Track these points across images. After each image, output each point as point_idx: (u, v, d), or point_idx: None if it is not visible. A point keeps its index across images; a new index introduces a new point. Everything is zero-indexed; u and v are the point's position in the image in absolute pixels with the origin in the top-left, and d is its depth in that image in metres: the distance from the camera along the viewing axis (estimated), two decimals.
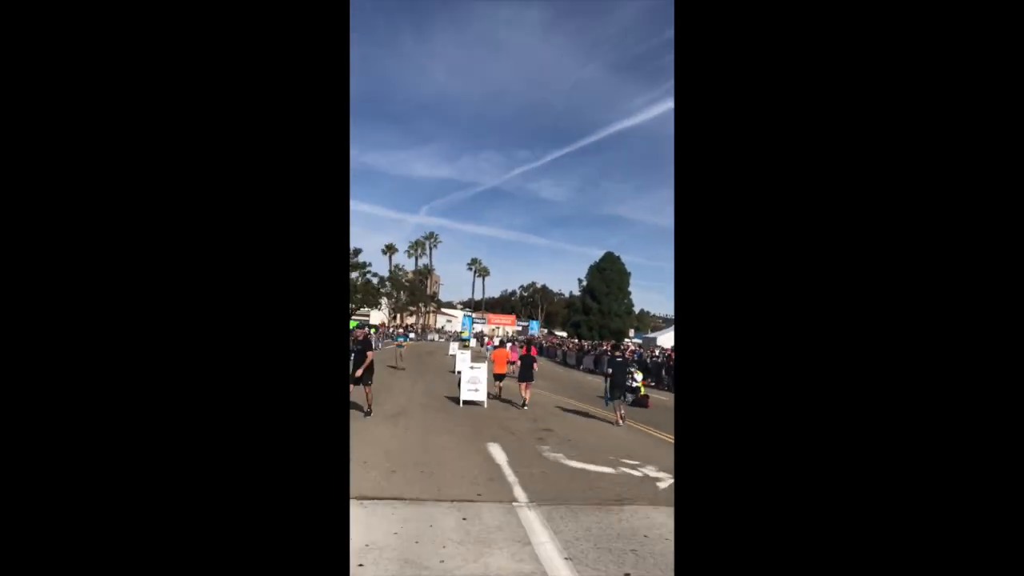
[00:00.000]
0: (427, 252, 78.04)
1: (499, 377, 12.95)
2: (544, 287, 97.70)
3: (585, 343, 37.26)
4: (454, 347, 27.95)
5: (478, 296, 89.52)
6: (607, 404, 11.04)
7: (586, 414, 11.74)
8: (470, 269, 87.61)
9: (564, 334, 55.25)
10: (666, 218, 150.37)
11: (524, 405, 11.51)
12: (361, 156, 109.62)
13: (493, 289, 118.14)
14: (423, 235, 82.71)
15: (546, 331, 74.18)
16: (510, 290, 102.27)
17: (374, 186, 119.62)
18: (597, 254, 60.54)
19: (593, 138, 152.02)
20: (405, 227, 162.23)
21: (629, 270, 59.99)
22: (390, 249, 73.28)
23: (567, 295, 76.36)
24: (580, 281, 62.45)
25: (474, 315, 72.35)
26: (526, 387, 11.85)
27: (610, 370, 10.82)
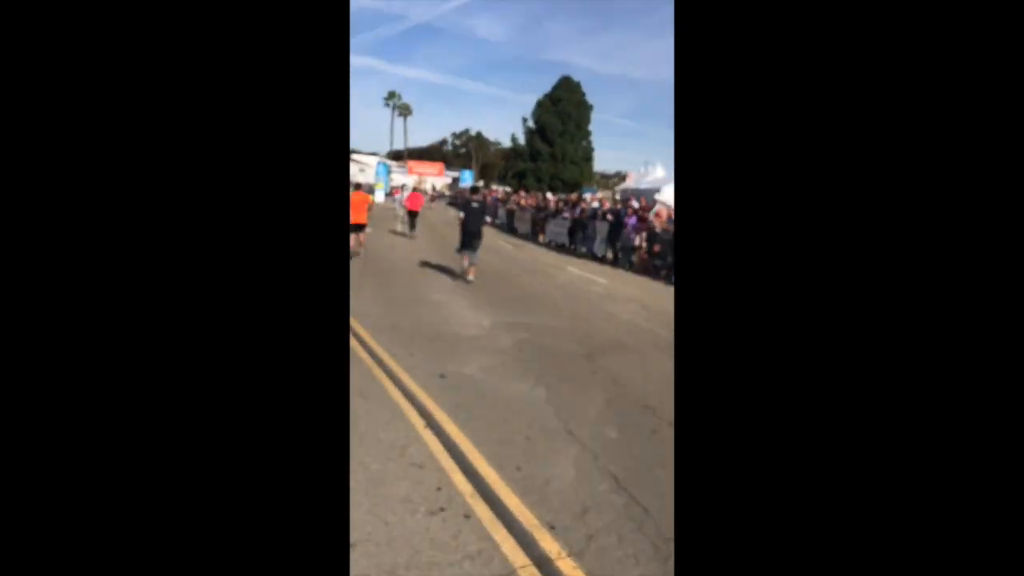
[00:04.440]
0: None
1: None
2: (479, 134, 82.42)
3: (551, 198, 24.71)
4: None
5: (400, 142, 74.09)
6: (457, 252, 10.42)
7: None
8: (387, 105, 71.02)
9: (507, 188, 42.55)
10: (612, 65, 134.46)
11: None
12: None
13: (422, 139, 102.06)
14: None
15: (481, 183, 61.34)
16: (440, 139, 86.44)
17: None
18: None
19: None
20: None
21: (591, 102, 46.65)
22: None
23: (505, 146, 61.83)
24: (525, 121, 48.14)
25: (393, 164, 58.02)
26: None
27: (463, 215, 10.38)
